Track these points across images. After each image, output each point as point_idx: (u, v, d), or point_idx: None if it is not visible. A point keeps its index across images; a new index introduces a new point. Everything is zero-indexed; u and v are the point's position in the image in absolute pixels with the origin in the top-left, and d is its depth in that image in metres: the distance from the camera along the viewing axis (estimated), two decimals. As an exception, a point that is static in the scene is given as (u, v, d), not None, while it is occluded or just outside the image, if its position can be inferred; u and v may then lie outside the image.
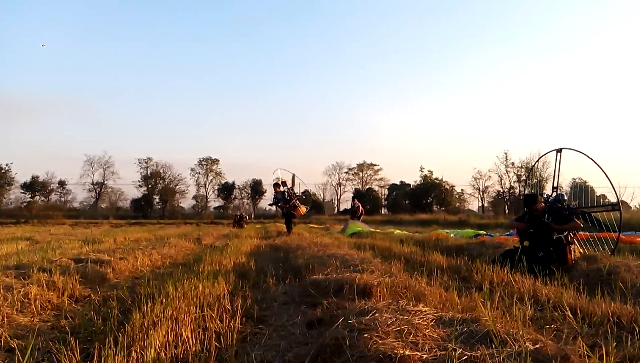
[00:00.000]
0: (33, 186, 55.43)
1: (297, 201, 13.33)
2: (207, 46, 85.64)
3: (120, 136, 79.55)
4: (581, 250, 5.73)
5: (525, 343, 1.92)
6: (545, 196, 6.29)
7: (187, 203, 60.22)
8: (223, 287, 3.82)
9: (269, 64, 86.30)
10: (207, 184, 59.74)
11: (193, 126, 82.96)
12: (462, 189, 59.51)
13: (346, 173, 62.72)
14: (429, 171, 58.25)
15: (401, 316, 2.32)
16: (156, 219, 46.85)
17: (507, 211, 48.61)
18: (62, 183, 57.93)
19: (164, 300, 3.06)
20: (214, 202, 60.30)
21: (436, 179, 57.67)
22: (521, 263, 4.79)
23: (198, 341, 2.43)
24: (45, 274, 4.24)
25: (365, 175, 62.97)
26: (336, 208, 58.68)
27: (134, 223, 35.34)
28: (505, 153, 52.65)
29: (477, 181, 56.28)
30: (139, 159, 57.44)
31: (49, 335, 2.73)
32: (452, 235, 11.09)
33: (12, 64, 75.20)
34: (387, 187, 61.72)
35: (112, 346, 2.14)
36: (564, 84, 77.44)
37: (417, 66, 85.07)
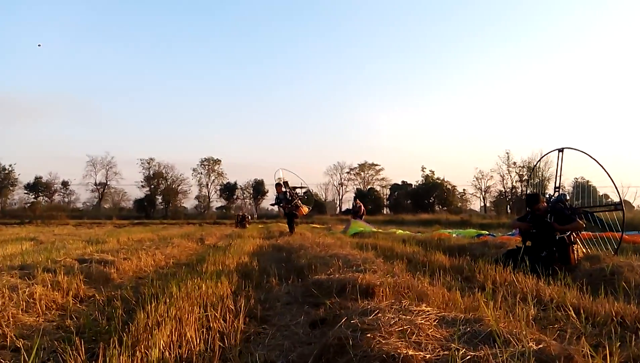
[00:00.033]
0: (36, 186, 55.64)
1: (299, 201, 13.34)
2: (209, 46, 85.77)
3: (122, 137, 79.81)
4: (584, 250, 5.72)
5: (528, 343, 1.92)
6: (547, 196, 6.28)
7: (189, 203, 60.43)
8: (226, 287, 3.84)
9: (271, 64, 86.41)
10: (210, 184, 59.90)
11: (195, 126, 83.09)
12: (464, 189, 59.47)
13: (348, 173, 62.77)
14: (430, 171, 58.26)
15: (404, 316, 2.33)
16: (159, 219, 46.94)
17: (509, 211, 48.54)
18: (65, 184, 58.18)
19: (167, 300, 3.07)
20: (217, 202, 60.46)
21: (438, 179, 57.62)
22: (524, 263, 4.79)
23: (202, 341, 2.44)
24: (50, 274, 4.26)
25: (367, 175, 63.00)
26: (338, 208, 58.73)
27: (137, 223, 35.41)
28: (507, 153, 52.63)
29: (479, 181, 56.26)
30: (141, 160, 57.66)
31: (54, 335, 2.76)
32: (454, 235, 11.08)
33: (14, 65, 75.50)
34: (389, 187, 61.71)
35: (116, 346, 2.16)
36: (566, 83, 77.28)
37: (418, 66, 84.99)
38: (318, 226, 24.49)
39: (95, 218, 43.59)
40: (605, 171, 5.91)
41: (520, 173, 51.38)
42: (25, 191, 55.72)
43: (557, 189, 6.42)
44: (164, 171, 57.93)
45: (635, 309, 2.95)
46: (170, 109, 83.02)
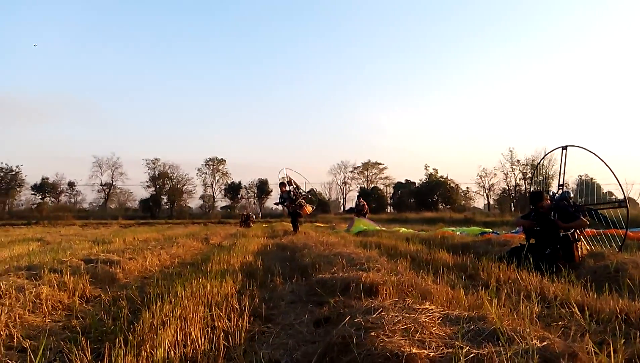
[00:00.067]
0: (43, 187, 55.92)
1: (303, 200, 13.35)
2: (209, 46, 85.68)
3: (127, 137, 79.81)
4: (588, 247, 5.70)
5: (532, 341, 1.92)
6: (551, 193, 6.26)
7: (194, 203, 60.52)
8: (231, 286, 3.85)
9: (273, 63, 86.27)
10: (214, 184, 59.98)
11: (198, 126, 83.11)
12: (467, 187, 59.19)
13: (351, 171, 62.68)
14: (434, 169, 58.05)
15: (408, 315, 2.33)
16: (164, 219, 47.10)
17: (513, 209, 48.35)
18: (71, 184, 58.39)
19: (172, 300, 3.09)
20: (221, 202, 60.52)
21: (441, 177, 57.45)
22: (528, 261, 4.78)
23: (206, 340, 2.46)
24: (56, 275, 4.30)
25: (371, 174, 62.88)
26: (342, 207, 58.71)
27: (143, 223, 35.56)
28: (511, 151, 52.32)
29: (483, 178, 55.97)
30: (146, 160, 57.81)
31: (61, 335, 2.78)
32: (458, 233, 11.07)
33: (18, 66, 75.74)
34: (393, 186, 61.60)
35: (122, 346, 2.18)
36: (570, 80, 76.72)
37: (420, 65, 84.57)
38: (322, 225, 24.49)
39: (101, 218, 43.77)
40: (609, 168, 5.89)
41: (524, 170, 51.12)
42: (32, 192, 56.01)
43: (560, 187, 6.40)
44: (169, 171, 58.09)
45: (639, 306, 2.94)
46: (173, 109, 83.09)
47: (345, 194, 62.13)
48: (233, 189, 58.99)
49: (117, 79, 79.47)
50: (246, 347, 2.50)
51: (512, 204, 52.02)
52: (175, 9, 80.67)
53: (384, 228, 15.13)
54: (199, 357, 2.29)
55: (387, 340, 1.98)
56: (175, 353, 2.26)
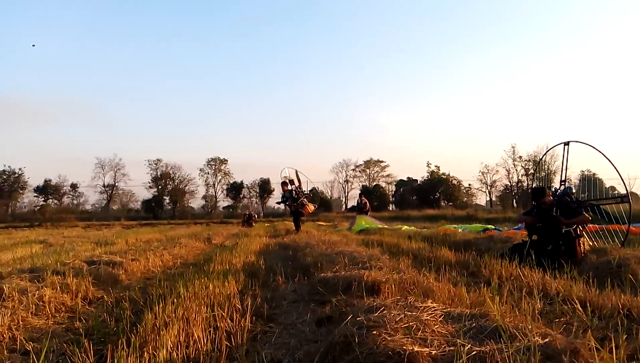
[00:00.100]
0: (46, 189, 56.17)
1: (305, 199, 13.35)
2: (210, 46, 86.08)
3: (130, 138, 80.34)
4: (590, 243, 5.69)
5: (534, 338, 1.92)
6: (553, 189, 6.25)
7: (196, 203, 60.79)
8: (233, 286, 3.86)
9: (275, 63, 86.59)
10: (216, 184, 60.18)
11: (200, 126, 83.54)
12: (469, 184, 59.29)
13: (353, 170, 62.82)
14: (436, 166, 58.11)
15: (410, 313, 2.33)
16: (167, 219, 47.27)
17: (515, 205, 48.26)
18: (74, 186, 58.70)
19: (175, 300, 3.09)
20: (223, 202, 60.77)
21: (443, 174, 57.43)
22: (530, 257, 4.77)
23: (209, 340, 2.46)
24: (59, 277, 4.31)
25: (372, 172, 62.97)
26: (344, 205, 58.74)
27: (145, 224, 35.68)
28: (513, 147, 52.40)
29: (485, 175, 56.03)
30: (148, 161, 58.04)
31: (63, 337, 2.78)
32: (460, 230, 11.05)
33: (19, 68, 76.05)
34: (394, 183, 61.61)
35: (124, 347, 2.18)
36: (572, 77, 76.65)
37: (421, 64, 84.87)
38: (324, 223, 24.53)
39: (104, 220, 43.95)
40: (612, 164, 5.87)
41: (526, 166, 51.14)
42: (35, 194, 56.35)
43: (563, 183, 6.38)
44: (171, 172, 58.32)
45: (642, 301, 2.93)
46: (175, 109, 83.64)
47: (347, 193, 62.22)
48: (235, 189, 59.11)
49: (118, 79, 79.88)
50: (248, 347, 2.51)
51: (514, 200, 51.99)
52: (175, 9, 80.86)
53: (386, 226, 15.12)
54: (202, 357, 2.29)
55: (389, 338, 1.98)
56: (177, 354, 2.26)
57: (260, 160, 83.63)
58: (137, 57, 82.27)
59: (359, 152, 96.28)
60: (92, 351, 2.24)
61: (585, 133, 72.01)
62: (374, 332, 2.06)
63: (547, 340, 1.91)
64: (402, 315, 2.27)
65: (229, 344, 2.47)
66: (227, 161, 60.27)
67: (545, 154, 16.22)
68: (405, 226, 15.04)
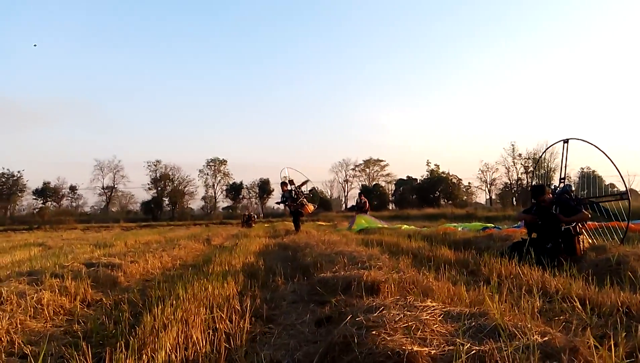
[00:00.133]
0: (45, 192, 56.09)
1: (305, 200, 13.35)
2: (209, 46, 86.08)
3: (129, 139, 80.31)
4: (590, 241, 5.69)
5: (533, 336, 1.92)
6: (552, 187, 6.25)
7: (196, 204, 60.74)
8: (232, 287, 3.85)
9: (274, 63, 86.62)
10: (216, 185, 60.14)
11: (199, 127, 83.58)
12: (469, 183, 59.32)
13: (353, 169, 62.82)
14: (435, 165, 58.09)
15: (409, 313, 2.33)
16: (166, 221, 47.24)
17: (515, 203, 48.30)
18: (73, 188, 58.65)
19: (174, 302, 3.08)
20: (223, 202, 60.73)
21: (443, 173, 57.44)
22: (529, 255, 4.77)
23: (208, 342, 2.46)
24: (58, 279, 4.30)
25: (372, 171, 62.99)
26: (344, 205, 58.76)
27: (145, 225, 35.67)
28: (512, 145, 52.41)
29: (484, 173, 56.05)
30: (147, 162, 57.99)
31: (62, 341, 2.77)
32: (459, 229, 11.05)
33: (17, 70, 75.97)
34: (394, 182, 61.62)
35: (123, 350, 2.18)
36: (570, 74, 76.72)
37: (420, 63, 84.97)
38: (324, 223, 24.52)
39: (103, 222, 43.91)
40: (611, 161, 5.87)
41: (526, 164, 51.18)
42: (34, 197, 56.28)
43: (562, 180, 6.38)
44: (170, 173, 58.26)
45: (641, 299, 2.93)
46: (174, 109, 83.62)
47: (347, 192, 62.22)
48: (234, 190, 59.08)
49: (116, 80, 79.90)
50: (247, 348, 2.50)
51: (514, 198, 52.03)
52: (175, 9, 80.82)
53: (385, 225, 15.12)
54: (200, 359, 2.28)
55: (388, 338, 1.98)
56: (176, 356, 2.25)
57: (260, 160, 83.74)
58: (136, 58, 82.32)
59: (358, 152, 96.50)
60: (90, 354, 2.24)
61: (585, 130, 72.31)
62: (374, 332, 2.06)
63: (546, 338, 1.91)
64: (402, 315, 2.26)
65: (228, 346, 2.46)
66: (226, 161, 60.30)
67: (545, 151, 16.25)
68: (405, 226, 15.03)
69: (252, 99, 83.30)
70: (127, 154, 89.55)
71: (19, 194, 55.43)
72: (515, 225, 10.61)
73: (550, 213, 5.28)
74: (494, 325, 2.10)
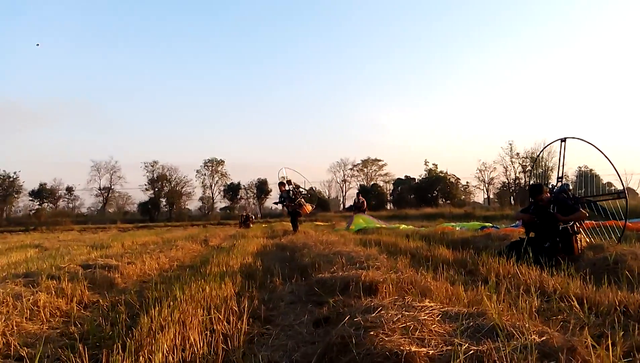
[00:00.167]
0: (41, 193, 55.84)
1: (303, 200, 13.33)
2: (209, 46, 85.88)
3: (125, 140, 79.94)
4: (587, 240, 5.70)
5: (531, 336, 1.92)
6: (550, 186, 6.26)
7: (193, 204, 60.54)
8: (230, 288, 3.84)
9: (272, 63, 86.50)
10: (213, 185, 59.99)
11: (196, 127, 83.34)
12: (467, 182, 59.35)
13: (351, 169, 62.78)
14: (433, 164, 58.10)
15: (407, 313, 2.32)
16: (163, 222, 47.10)
17: (512, 203, 48.40)
18: (69, 189, 58.35)
19: (171, 304, 3.07)
20: (220, 203, 60.55)
21: (441, 172, 57.48)
22: (527, 255, 4.77)
23: (205, 344, 2.45)
24: (54, 281, 4.28)
25: (370, 171, 62.97)
26: (342, 205, 58.74)
27: (142, 226, 35.54)
28: (510, 144, 52.46)
29: (482, 173, 56.12)
30: (144, 163, 57.77)
31: (58, 342, 2.76)
32: (457, 228, 11.06)
33: (13, 71, 75.71)
34: (392, 182, 61.63)
35: (120, 351, 2.16)
36: (568, 73, 76.94)
37: (419, 63, 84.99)
38: (322, 223, 24.50)
39: (100, 223, 43.74)
40: (608, 159, 5.88)
41: (524, 163, 51.23)
42: (30, 198, 56.01)
43: (559, 180, 6.39)
44: (167, 174, 58.09)
45: (638, 298, 2.93)
46: (171, 110, 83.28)
47: (345, 192, 62.21)
48: (232, 190, 58.95)
49: (113, 81, 79.62)
50: (245, 349, 2.49)
51: (512, 197, 52.13)
52: (174, 9, 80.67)
53: (384, 225, 15.13)
54: (198, 361, 2.28)
55: (386, 339, 1.97)
56: (173, 358, 2.25)
57: (258, 160, 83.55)
58: (134, 58, 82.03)
59: (356, 151, 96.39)
60: (87, 356, 2.22)
61: (582, 129, 72.62)
62: (372, 333, 2.05)
63: (544, 338, 1.91)
64: (400, 315, 2.26)
65: (225, 347, 2.45)
66: (224, 162, 60.15)
67: (542, 150, 16.19)
68: (403, 225, 15.04)
69: (251, 99, 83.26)
70: (124, 155, 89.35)
71: (15, 195, 55.19)
72: (513, 224, 10.63)
73: (548, 212, 5.29)
74: (492, 324, 2.09)
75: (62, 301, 3.75)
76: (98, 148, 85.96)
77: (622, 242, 5.61)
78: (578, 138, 6.41)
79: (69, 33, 77.84)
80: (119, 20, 79.76)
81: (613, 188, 11.77)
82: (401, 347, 1.86)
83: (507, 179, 54.07)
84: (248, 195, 60.13)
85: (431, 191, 56.43)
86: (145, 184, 57.41)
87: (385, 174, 62.42)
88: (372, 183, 61.00)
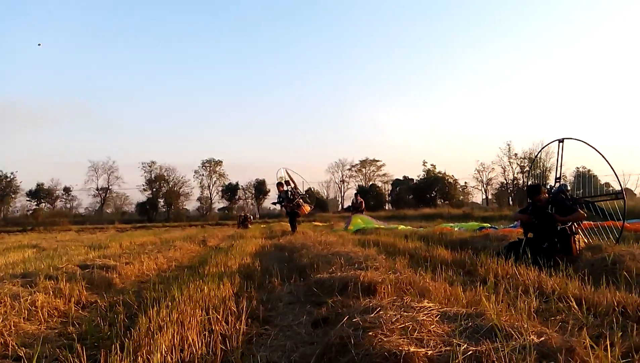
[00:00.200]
0: (38, 193, 55.72)
1: (301, 200, 13.33)
2: (208, 46, 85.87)
3: (123, 140, 79.87)
4: (586, 240, 5.71)
5: (529, 337, 1.92)
6: (548, 186, 6.27)
7: (191, 205, 60.52)
8: (228, 289, 3.83)
9: (271, 64, 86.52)
10: (211, 185, 59.96)
11: (195, 127, 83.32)
12: (465, 182, 59.44)
13: (349, 169, 62.85)
14: (432, 165, 58.18)
15: (406, 313, 2.32)
16: (161, 222, 47.04)
17: (511, 203, 48.48)
18: (67, 190, 58.26)
19: (169, 304, 3.07)
20: (219, 203, 60.53)
21: (439, 173, 57.53)
22: (526, 255, 4.77)
23: (204, 344, 2.44)
24: (52, 281, 4.27)
25: (368, 171, 63.04)
26: (340, 205, 58.75)
27: (140, 226, 35.47)
28: (508, 144, 52.53)
29: (481, 173, 56.21)
30: (142, 163, 57.71)
31: (56, 343, 2.75)
32: (456, 229, 11.07)
33: (13, 72, 75.55)
34: (391, 182, 61.68)
35: (118, 352, 2.16)
36: (566, 73, 77.17)
37: (418, 64, 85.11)
38: (320, 224, 24.49)
39: (98, 223, 43.65)
40: (606, 160, 5.89)
41: (522, 164, 51.32)
42: (27, 199, 55.90)
43: (557, 180, 6.40)
44: (165, 174, 58.03)
45: (637, 298, 2.94)
46: (169, 110, 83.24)
47: (344, 193, 62.25)
48: (230, 191, 58.91)
49: (111, 81, 79.57)
50: (244, 349, 2.49)
51: (510, 198, 52.21)
52: (174, 9, 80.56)
53: (382, 225, 15.13)
54: (196, 361, 2.27)
55: (385, 339, 1.97)
56: (172, 358, 2.24)
57: (256, 161, 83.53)
58: (132, 59, 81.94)
59: (355, 151, 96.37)
60: (85, 356, 2.22)
61: (580, 130, 72.82)
62: (370, 333, 2.05)
63: (542, 338, 1.91)
64: (399, 316, 2.26)
65: (224, 347, 2.45)
66: (222, 162, 60.10)
67: (540, 151, 16.28)
68: (402, 226, 15.05)
69: (250, 99, 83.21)
70: (122, 155, 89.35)
71: (12, 195, 55.10)
72: (512, 225, 10.64)
73: (546, 212, 5.30)
74: (491, 325, 2.10)
75: (60, 301, 3.74)
76: (96, 148, 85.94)
77: (620, 243, 5.62)
78: (576, 139, 6.43)
79: (67, 33, 77.80)
80: (118, 20, 79.69)
81: (611, 188, 11.81)
82: (400, 347, 1.86)
83: (506, 179, 54.20)
84: (246, 195, 60.14)
85: (429, 191, 56.50)
86: (143, 185, 57.40)
87: (384, 175, 62.56)
88: (370, 183, 61.05)
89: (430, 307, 2.48)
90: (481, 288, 3.31)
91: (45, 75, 78.34)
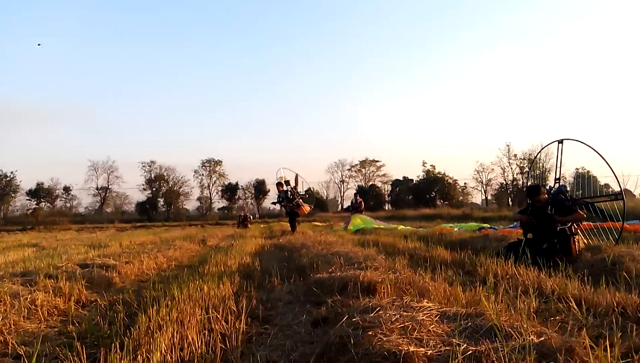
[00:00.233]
0: (38, 192, 55.72)
1: (301, 200, 13.34)
2: (207, 46, 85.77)
3: (123, 140, 79.93)
4: (585, 241, 5.71)
5: (529, 337, 1.92)
6: (547, 187, 6.27)
7: (191, 204, 60.51)
8: (228, 288, 3.83)
9: (270, 63, 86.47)
10: (211, 185, 59.95)
11: (195, 127, 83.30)
12: (465, 183, 59.44)
13: (349, 170, 62.85)
14: (431, 165, 58.19)
15: (405, 313, 2.32)
16: (161, 221, 47.06)
17: (510, 204, 48.49)
18: (67, 189, 58.25)
19: (169, 303, 3.07)
20: (218, 203, 60.51)
21: (439, 173, 57.54)
22: (525, 256, 4.78)
23: (203, 343, 2.44)
24: (52, 280, 4.27)
25: (368, 171, 63.04)
26: (340, 206, 58.77)
27: (139, 226, 35.50)
28: (508, 145, 52.56)
29: (480, 174, 56.22)
30: (142, 163, 57.68)
31: (56, 341, 2.75)
32: (455, 229, 11.07)
33: (13, 71, 75.51)
34: (390, 183, 61.69)
35: (118, 350, 2.16)
36: (566, 74, 77.20)
37: (418, 61, 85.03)
38: (320, 224, 24.50)
39: (98, 223, 43.66)
40: (605, 161, 5.90)
41: (521, 165, 51.34)
42: (27, 198, 55.90)
43: (557, 181, 6.41)
44: (165, 174, 58.02)
45: (636, 299, 2.94)
46: (169, 110, 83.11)
47: (343, 193, 62.24)
48: (230, 190, 58.90)
49: (110, 81, 79.64)
50: (243, 349, 2.49)
51: (509, 198, 52.24)
52: (174, 9, 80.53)
53: (382, 225, 15.13)
54: (196, 360, 2.27)
55: (384, 339, 1.97)
56: (171, 357, 2.24)
57: (256, 161, 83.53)
58: (131, 59, 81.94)
59: (354, 152, 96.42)
60: (85, 355, 2.21)
61: (580, 131, 72.78)
62: (370, 333, 2.05)
63: (542, 338, 1.91)
64: (398, 315, 2.26)
65: (223, 346, 2.45)
66: (221, 162, 60.08)
67: (540, 152, 16.27)
68: (401, 226, 15.06)
69: (251, 99, 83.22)
70: (122, 155, 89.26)
71: (12, 195, 55.10)
72: (511, 226, 10.65)
73: (546, 213, 5.30)
74: (490, 325, 2.10)
75: (60, 300, 3.74)
76: (95, 147, 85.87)
77: (619, 243, 5.62)
78: (575, 140, 6.43)
79: (64, 34, 77.75)
80: (119, 20, 79.66)
81: (610, 189, 11.82)
82: (399, 347, 1.86)
83: (505, 180, 54.21)
84: (246, 195, 60.12)
85: (429, 192, 56.51)
86: (143, 184, 57.41)
87: (384, 175, 62.56)
88: (370, 183, 61.04)
89: (429, 307, 2.48)
90: (481, 288, 3.31)
91: (45, 75, 78.35)
